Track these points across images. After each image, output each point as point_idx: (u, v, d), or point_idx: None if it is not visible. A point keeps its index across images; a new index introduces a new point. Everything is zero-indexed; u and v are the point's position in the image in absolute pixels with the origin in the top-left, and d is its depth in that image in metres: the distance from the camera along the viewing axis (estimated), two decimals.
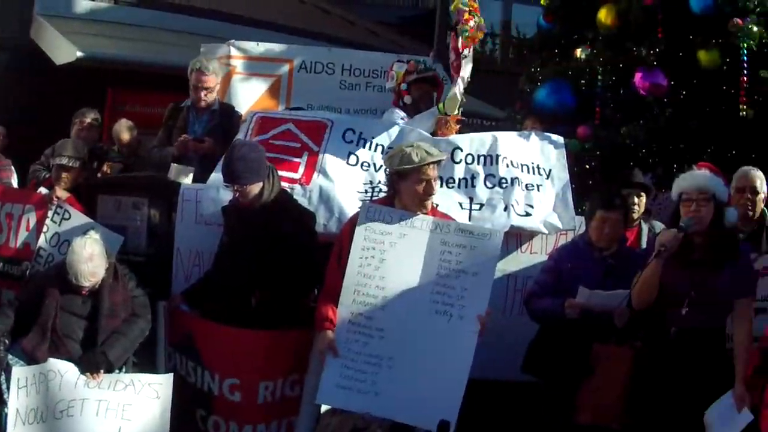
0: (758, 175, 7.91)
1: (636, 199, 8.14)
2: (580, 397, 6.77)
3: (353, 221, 6.74)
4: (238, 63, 10.31)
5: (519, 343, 7.25)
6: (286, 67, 10.43)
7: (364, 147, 8.06)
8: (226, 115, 8.99)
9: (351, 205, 7.50)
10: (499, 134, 8.40)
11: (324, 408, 6.86)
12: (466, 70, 8.39)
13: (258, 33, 15.54)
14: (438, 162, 6.63)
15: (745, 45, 9.56)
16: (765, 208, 8.06)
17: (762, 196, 7.88)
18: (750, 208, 7.79)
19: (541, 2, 12.12)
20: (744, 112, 9.53)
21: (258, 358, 7.06)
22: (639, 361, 6.68)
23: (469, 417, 7.31)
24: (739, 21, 9.60)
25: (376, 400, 6.52)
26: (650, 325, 6.69)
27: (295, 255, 6.94)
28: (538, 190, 8.02)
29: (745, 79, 9.56)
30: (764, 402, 6.34)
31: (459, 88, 8.31)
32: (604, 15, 10.64)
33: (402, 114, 8.79)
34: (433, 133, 8.24)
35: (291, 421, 7.22)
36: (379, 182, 7.76)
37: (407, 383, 6.53)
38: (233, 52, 10.28)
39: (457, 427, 6.95)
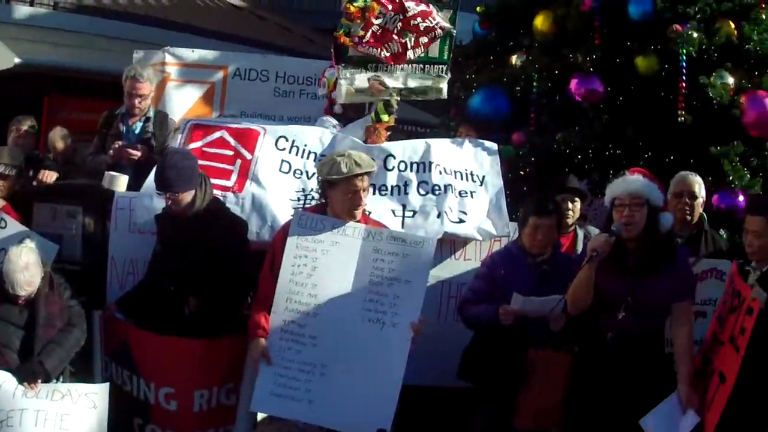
0: (696, 180, 7.99)
1: (570, 205, 8.13)
2: (519, 403, 6.78)
3: (285, 229, 6.76)
4: (172, 70, 10.22)
5: (454, 349, 7.21)
6: (220, 74, 10.37)
7: (296, 154, 8.05)
8: (160, 123, 8.93)
9: (283, 213, 7.48)
10: (433, 141, 8.43)
11: (261, 416, 6.87)
12: (398, 80, 8.39)
13: (195, 40, 15.42)
14: (367, 173, 6.64)
15: (685, 51, 9.62)
16: (703, 213, 8.13)
17: (700, 200, 7.97)
18: (688, 212, 7.88)
19: (477, 9, 12.13)
20: (683, 118, 9.57)
21: (192, 366, 7.04)
22: (577, 366, 6.72)
23: (406, 424, 7.35)
24: (679, 27, 9.67)
25: (310, 407, 6.54)
26: (587, 330, 6.71)
27: (227, 263, 6.93)
28: (472, 196, 8.03)
29: (684, 84, 9.61)
30: (705, 405, 6.42)
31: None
32: (540, 22, 10.70)
33: (334, 122, 8.75)
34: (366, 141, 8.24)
35: (228, 429, 7.19)
36: (312, 190, 7.72)
37: (341, 391, 6.55)
38: (168, 58, 10.21)
39: None
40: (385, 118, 8.28)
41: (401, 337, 6.55)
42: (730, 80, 9.75)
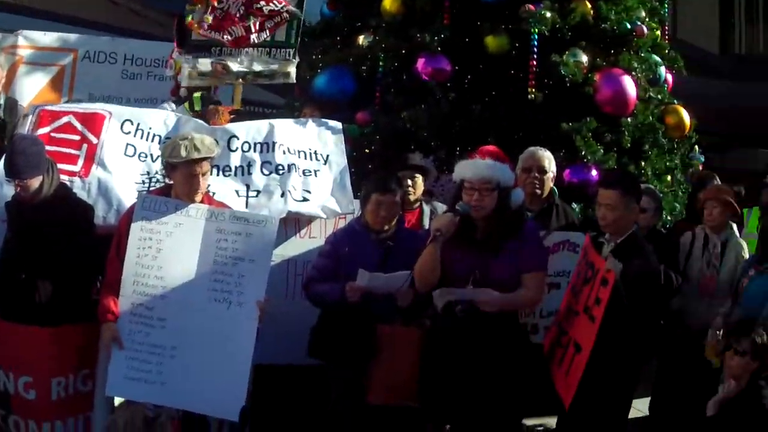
0: (546, 155, 8.16)
1: (411, 182, 8.12)
2: (370, 378, 6.81)
3: (130, 212, 6.74)
4: (25, 53, 10.17)
5: (304, 327, 7.26)
6: (70, 57, 10.32)
7: (141, 138, 7.94)
8: (9, 109, 8.82)
9: (129, 197, 7.39)
10: (276, 122, 8.41)
11: (118, 401, 6.85)
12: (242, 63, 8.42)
13: (51, 26, 15.03)
14: (206, 158, 6.68)
15: (536, 30, 9.78)
16: (554, 187, 8.29)
17: (550, 175, 8.15)
18: (538, 187, 8.05)
19: None
20: (532, 95, 9.75)
21: (46, 354, 6.88)
22: (428, 341, 6.75)
23: (261, 403, 7.41)
24: (531, 6, 9.83)
25: (163, 390, 6.55)
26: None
27: (74, 248, 6.85)
28: (316, 175, 8.03)
29: (535, 63, 9.78)
30: (562, 374, 6.65)
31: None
32: (389, 2, 10.69)
33: (174, 106, 8.75)
34: None
35: (88, 416, 7.09)
36: (156, 173, 7.67)
37: (192, 372, 6.57)
38: (21, 41, 10.16)
39: (248, 413, 7.02)
40: (197, 108, 8.30)
41: (248, 316, 6.59)
42: (584, 59, 9.96)
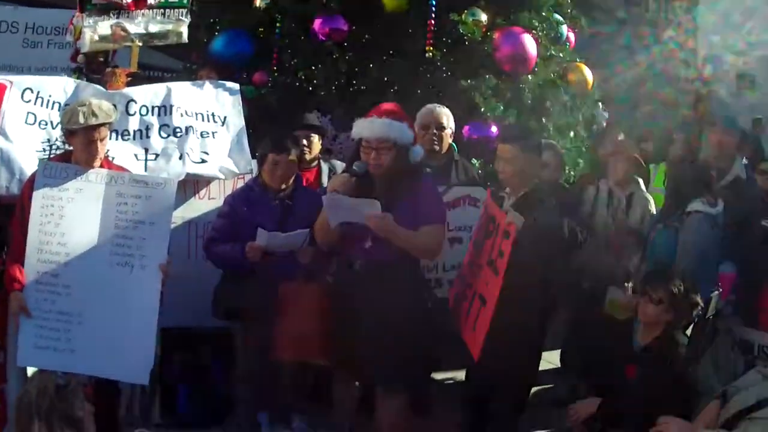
0: (444, 111, 8.22)
1: (307, 141, 8.18)
2: (277, 336, 6.84)
3: (32, 180, 6.71)
4: None
5: (207, 288, 7.38)
6: None
7: (42, 105, 7.88)
8: None
9: (30, 165, 7.34)
10: (173, 85, 8.42)
11: (31, 370, 6.76)
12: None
13: None
14: (104, 124, 6.68)
15: None
16: (453, 143, 8.37)
17: (449, 131, 8.20)
18: (436, 143, 8.10)
19: None
20: (430, 54, 9.78)
21: None
22: (330, 296, 6.82)
23: (169, 365, 7.46)
24: None
25: (72, 357, 6.54)
26: (338, 259, 6.87)
27: None
28: (213, 137, 8.06)
29: (433, 22, 9.79)
30: (469, 328, 6.69)
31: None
32: None
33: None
34: None
35: (2, 388, 7.13)
36: (57, 139, 7.62)
37: (99, 338, 6.57)
38: None
39: (159, 376, 7.08)
40: None
41: (151, 279, 6.62)
42: (483, 17, 10.00)
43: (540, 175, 7.42)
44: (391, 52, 9.84)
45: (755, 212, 8.22)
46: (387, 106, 6.84)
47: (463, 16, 9.84)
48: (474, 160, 9.10)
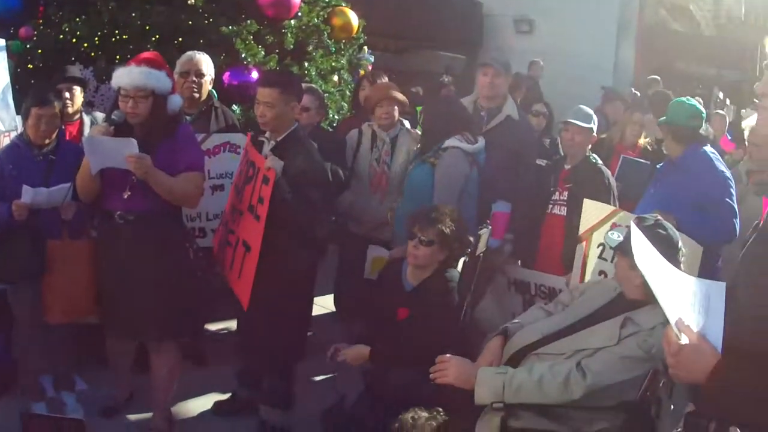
0: (203, 58, 8.17)
1: (69, 94, 8.08)
2: (45, 297, 6.82)
3: None
4: None
5: None
6: None
7: None
8: None
9: None
10: None
11: None
12: None
13: None
14: None
15: None
16: (213, 90, 8.30)
17: (208, 78, 8.18)
18: (196, 90, 8.07)
19: None
20: (192, 1, 9.75)
21: None
22: (94, 251, 6.81)
23: None
24: None
25: None
26: (102, 213, 6.76)
27: None
28: None
29: None
30: (234, 274, 6.75)
31: None
32: None
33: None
34: None
35: None
36: None
37: None
38: None
39: None
40: None
41: None
42: None
43: (300, 119, 7.51)
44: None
45: (528, 152, 8.40)
46: (146, 54, 6.86)
47: None
48: (235, 107, 9.12)
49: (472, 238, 6.64)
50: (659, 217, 5.34)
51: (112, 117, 6.49)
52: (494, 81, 8.30)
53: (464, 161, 7.48)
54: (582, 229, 7.24)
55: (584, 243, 7.19)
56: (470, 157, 7.51)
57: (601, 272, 6.96)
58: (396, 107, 8.63)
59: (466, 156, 7.49)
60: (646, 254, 3.41)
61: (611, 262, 6.60)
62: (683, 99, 8.16)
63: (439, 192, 7.39)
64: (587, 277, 7.01)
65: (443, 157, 7.46)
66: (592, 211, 7.22)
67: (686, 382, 3.30)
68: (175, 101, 6.67)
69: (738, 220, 7.40)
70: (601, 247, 7.05)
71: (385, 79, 10.02)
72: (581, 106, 8.25)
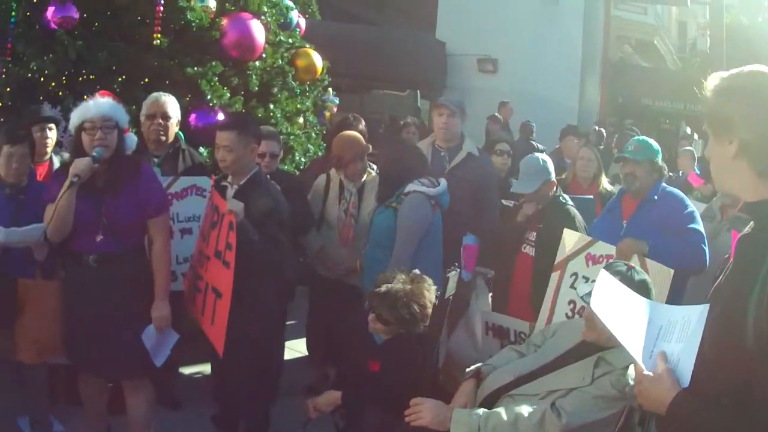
0: (169, 100, 8.20)
1: (47, 133, 8.10)
2: (17, 336, 6.84)
3: None
4: None
5: None
6: None
7: None
8: None
9: None
10: None
11: None
12: None
13: None
14: None
15: None
16: (180, 132, 8.29)
17: (174, 120, 8.18)
18: (162, 132, 8.06)
19: None
20: (158, 41, 9.72)
21: None
22: (64, 292, 6.76)
23: None
24: None
25: None
26: (71, 255, 6.69)
27: None
28: None
29: (161, 8, 9.71)
30: (206, 320, 6.79)
31: None
32: None
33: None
34: None
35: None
36: None
37: None
38: None
39: None
40: None
41: None
42: (212, 3, 10.00)
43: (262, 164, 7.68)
44: (118, 39, 9.69)
45: (490, 187, 8.57)
46: (103, 93, 7.13)
47: (192, 2, 9.85)
48: (201, 149, 9.13)
49: (436, 287, 6.49)
50: (632, 264, 5.38)
51: (93, 154, 6.35)
52: (449, 121, 8.40)
53: (426, 205, 7.48)
54: (558, 258, 7.32)
55: (558, 272, 7.26)
56: (432, 200, 7.50)
57: (570, 301, 7.05)
58: (360, 163, 8.63)
59: (428, 199, 7.47)
60: (605, 299, 3.46)
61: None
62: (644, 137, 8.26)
63: (401, 237, 7.35)
64: (558, 307, 7.10)
65: (404, 201, 7.44)
66: (571, 240, 7.32)
67: (650, 411, 3.41)
68: (132, 140, 6.92)
69: (707, 246, 7.37)
70: (573, 277, 7.14)
71: (362, 125, 10.03)
72: (525, 163, 8.22)
